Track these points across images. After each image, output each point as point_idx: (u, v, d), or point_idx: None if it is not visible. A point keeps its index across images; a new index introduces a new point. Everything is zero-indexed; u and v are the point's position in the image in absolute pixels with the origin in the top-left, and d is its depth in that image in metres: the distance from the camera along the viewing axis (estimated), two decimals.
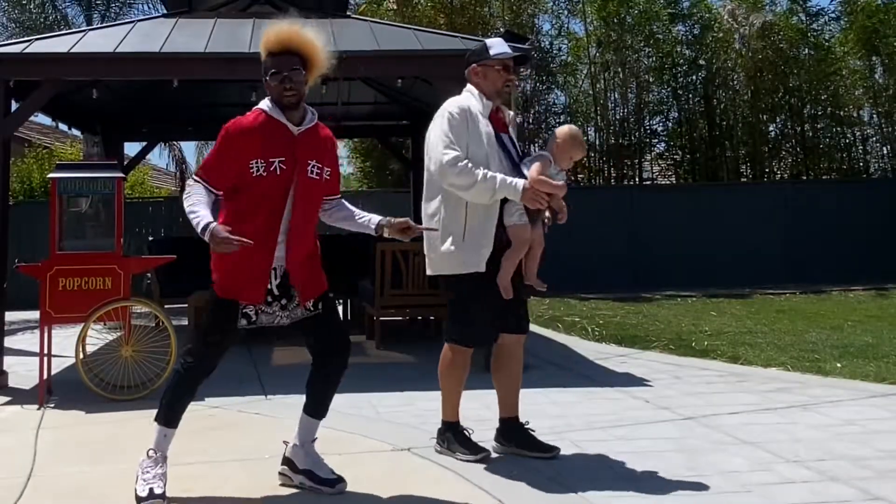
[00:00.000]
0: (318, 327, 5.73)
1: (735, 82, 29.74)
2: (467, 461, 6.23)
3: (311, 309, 5.66)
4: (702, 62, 29.35)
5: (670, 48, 29.13)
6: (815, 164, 29.50)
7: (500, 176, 5.96)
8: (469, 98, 6.36)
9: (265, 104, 5.54)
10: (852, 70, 29.39)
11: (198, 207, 5.24)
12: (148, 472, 5.47)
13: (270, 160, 5.33)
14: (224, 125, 5.48)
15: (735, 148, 29.77)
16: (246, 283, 5.41)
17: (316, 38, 5.58)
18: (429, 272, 6.46)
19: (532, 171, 6.10)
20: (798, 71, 28.85)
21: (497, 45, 6.44)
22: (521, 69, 6.60)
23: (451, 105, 6.30)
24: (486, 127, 6.23)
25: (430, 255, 6.36)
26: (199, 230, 5.17)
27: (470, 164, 5.96)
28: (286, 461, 5.83)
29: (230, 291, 5.45)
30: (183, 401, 5.69)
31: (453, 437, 6.42)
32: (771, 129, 30.32)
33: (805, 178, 28.52)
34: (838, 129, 29.90)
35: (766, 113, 29.49)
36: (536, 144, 26.37)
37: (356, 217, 5.84)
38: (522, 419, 6.53)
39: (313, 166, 5.51)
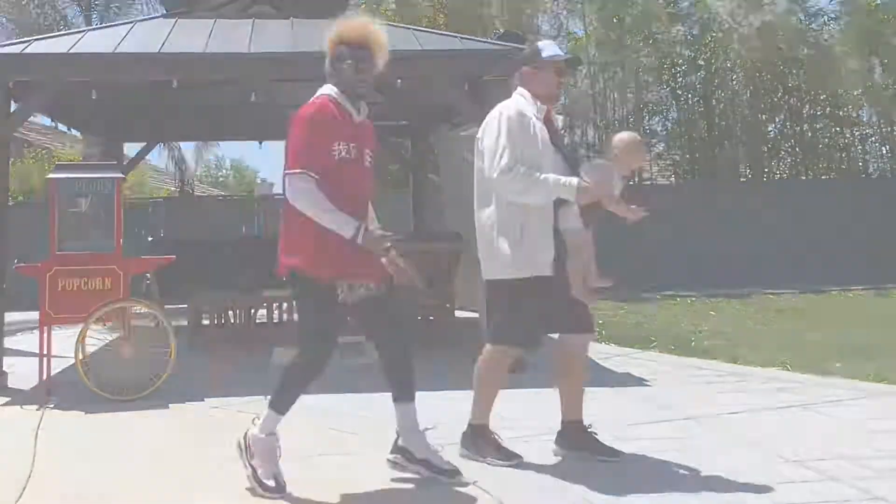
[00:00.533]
0: (387, 306, 5.86)
1: (734, 82, 29.81)
2: (502, 466, 6.20)
3: (381, 289, 5.80)
4: (701, 62, 29.40)
5: (669, 48, 29.16)
6: (814, 163, 29.56)
7: (552, 176, 5.87)
8: (521, 101, 6.27)
9: (331, 91, 5.72)
10: (851, 70, 29.41)
11: (334, 212, 5.41)
12: (265, 458, 5.65)
13: (348, 144, 5.54)
14: (298, 114, 5.60)
15: (734, 148, 29.81)
16: (355, 265, 5.57)
17: (384, 34, 5.82)
18: (486, 277, 6.37)
19: (604, 187, 6.08)
20: (797, 71, 28.92)
21: (549, 48, 6.36)
22: (572, 71, 6.58)
23: (505, 108, 6.19)
24: (541, 131, 6.14)
25: (486, 260, 6.27)
26: (348, 234, 5.39)
27: (523, 169, 5.87)
28: (400, 450, 5.89)
29: (337, 275, 5.59)
30: (294, 396, 5.85)
31: (484, 443, 6.33)
32: (770, 128, 30.40)
33: (804, 177, 28.56)
34: (837, 129, 29.99)
35: (765, 113, 29.57)
36: None
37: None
38: (519, 419, 6.51)
39: (367, 154, 5.73)
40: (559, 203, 6.06)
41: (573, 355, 6.39)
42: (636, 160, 6.42)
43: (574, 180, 5.86)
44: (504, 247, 6.07)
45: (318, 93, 5.75)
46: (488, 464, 6.20)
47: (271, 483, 5.52)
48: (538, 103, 6.23)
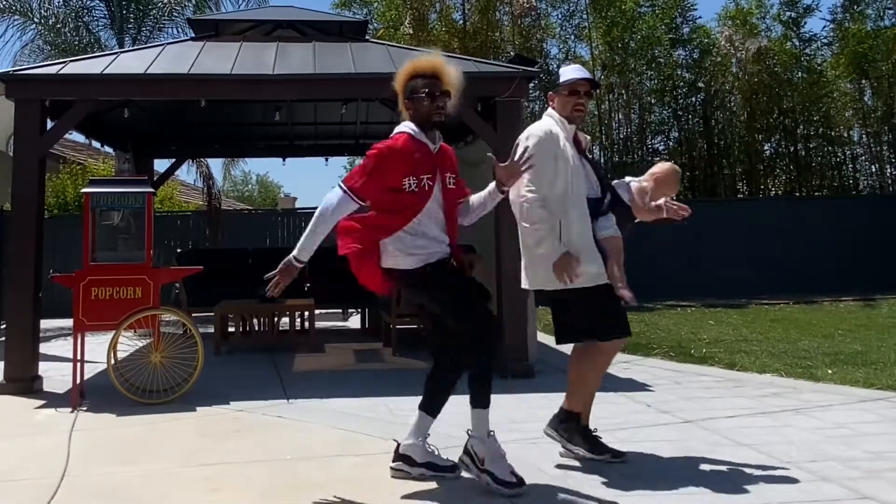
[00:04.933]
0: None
1: (732, 104, 29.86)
2: (587, 458, 6.21)
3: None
4: (701, 85, 29.45)
5: (671, 71, 29.21)
6: (808, 181, 29.59)
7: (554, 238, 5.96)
8: (549, 121, 6.32)
9: (408, 128, 5.75)
10: (843, 92, 29.57)
11: (312, 235, 5.59)
12: (494, 458, 5.60)
13: (421, 177, 5.56)
14: (375, 146, 5.66)
15: (732, 166, 29.88)
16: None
17: (459, 74, 5.83)
18: (532, 286, 6.36)
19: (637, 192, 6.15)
20: (791, 93, 28.96)
21: (565, 73, 6.45)
22: (593, 92, 6.52)
23: (535, 129, 6.25)
24: (570, 149, 6.18)
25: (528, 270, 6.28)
26: (296, 254, 5.60)
27: (539, 209, 5.95)
28: (402, 458, 5.91)
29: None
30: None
31: (575, 428, 6.32)
32: (766, 148, 30.46)
33: (798, 194, 28.59)
34: (829, 148, 30.04)
35: (761, 133, 29.60)
36: None
37: (479, 200, 6.01)
38: (527, 421, 6.50)
39: (449, 178, 5.74)
40: (596, 214, 6.13)
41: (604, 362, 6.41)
42: (670, 190, 6.45)
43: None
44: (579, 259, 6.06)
45: (396, 130, 5.79)
46: (573, 451, 6.25)
47: (512, 479, 5.50)
48: (566, 124, 6.27)
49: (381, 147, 5.62)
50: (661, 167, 6.48)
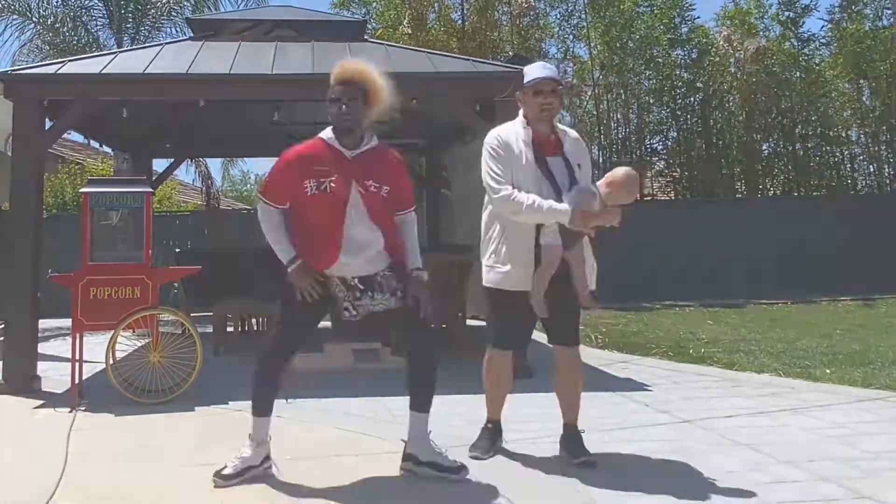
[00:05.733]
0: (416, 320, 6.01)
1: (730, 104, 29.83)
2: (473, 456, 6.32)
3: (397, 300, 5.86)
4: (699, 85, 29.42)
5: (669, 71, 29.18)
6: (806, 181, 29.55)
7: (547, 203, 5.84)
8: (508, 125, 6.33)
9: (326, 133, 5.86)
10: (841, 92, 29.57)
11: (279, 237, 5.87)
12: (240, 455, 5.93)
13: (321, 180, 5.62)
14: (283, 152, 5.86)
15: (730, 166, 29.84)
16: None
17: (379, 75, 5.94)
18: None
19: (586, 216, 6.04)
20: (790, 93, 28.94)
21: (528, 73, 6.37)
22: (560, 89, 6.44)
23: (489, 137, 6.28)
24: (526, 154, 6.10)
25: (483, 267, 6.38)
26: (284, 262, 5.82)
27: (516, 196, 5.90)
28: (408, 457, 5.93)
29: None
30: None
31: (482, 433, 6.53)
32: (764, 147, 30.41)
33: (796, 194, 28.57)
34: (827, 148, 30.01)
35: (759, 133, 29.56)
36: None
37: (407, 249, 6.02)
38: (527, 421, 6.51)
39: (371, 184, 5.70)
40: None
41: (568, 367, 6.40)
42: (627, 197, 6.22)
43: (566, 207, 5.84)
44: (485, 258, 6.26)
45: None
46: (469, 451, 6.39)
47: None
48: (526, 125, 6.24)
49: (285, 152, 5.84)
50: (614, 173, 6.28)
